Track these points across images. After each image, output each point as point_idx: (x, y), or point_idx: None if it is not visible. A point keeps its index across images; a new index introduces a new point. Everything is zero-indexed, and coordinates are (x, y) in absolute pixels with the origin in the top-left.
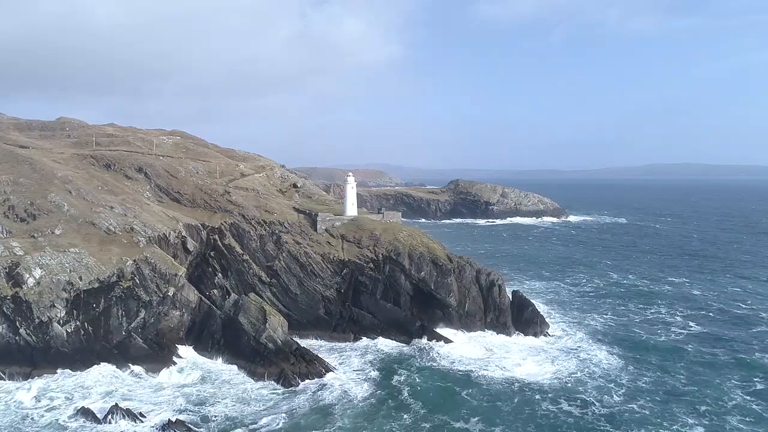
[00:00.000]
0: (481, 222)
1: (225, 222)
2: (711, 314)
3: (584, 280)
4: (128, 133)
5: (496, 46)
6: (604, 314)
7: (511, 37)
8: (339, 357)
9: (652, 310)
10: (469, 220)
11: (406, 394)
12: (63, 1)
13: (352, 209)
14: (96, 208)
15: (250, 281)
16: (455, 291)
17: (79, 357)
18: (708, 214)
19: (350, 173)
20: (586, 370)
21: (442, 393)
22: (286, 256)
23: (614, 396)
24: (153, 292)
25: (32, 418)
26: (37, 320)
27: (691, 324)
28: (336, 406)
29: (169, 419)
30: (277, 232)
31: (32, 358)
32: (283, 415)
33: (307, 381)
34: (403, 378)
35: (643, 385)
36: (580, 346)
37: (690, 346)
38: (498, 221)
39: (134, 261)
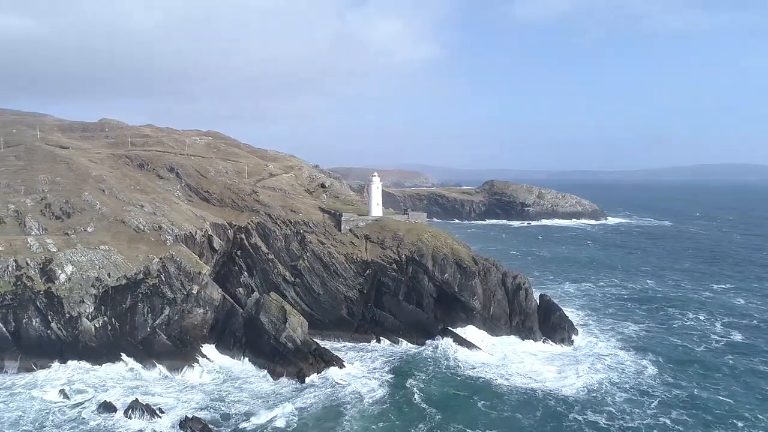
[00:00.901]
0: (516, 223)
1: (251, 221)
2: (754, 323)
3: (620, 285)
4: (164, 134)
5: (532, 45)
6: (640, 321)
7: (547, 36)
8: (358, 358)
9: (690, 317)
10: (503, 222)
11: (421, 399)
12: (104, 5)
13: (377, 209)
14: (127, 207)
15: (275, 280)
16: (480, 294)
17: (105, 352)
18: (759, 218)
19: (375, 173)
20: (617, 379)
21: (460, 401)
22: (310, 256)
23: (646, 409)
24: (177, 290)
25: (56, 412)
26: (67, 315)
27: (731, 333)
28: (349, 408)
29: (186, 416)
30: (301, 231)
31: (61, 351)
32: (296, 415)
33: (323, 381)
34: (420, 383)
35: (678, 397)
36: (611, 354)
37: (729, 356)
38: (533, 223)
39: (160, 259)
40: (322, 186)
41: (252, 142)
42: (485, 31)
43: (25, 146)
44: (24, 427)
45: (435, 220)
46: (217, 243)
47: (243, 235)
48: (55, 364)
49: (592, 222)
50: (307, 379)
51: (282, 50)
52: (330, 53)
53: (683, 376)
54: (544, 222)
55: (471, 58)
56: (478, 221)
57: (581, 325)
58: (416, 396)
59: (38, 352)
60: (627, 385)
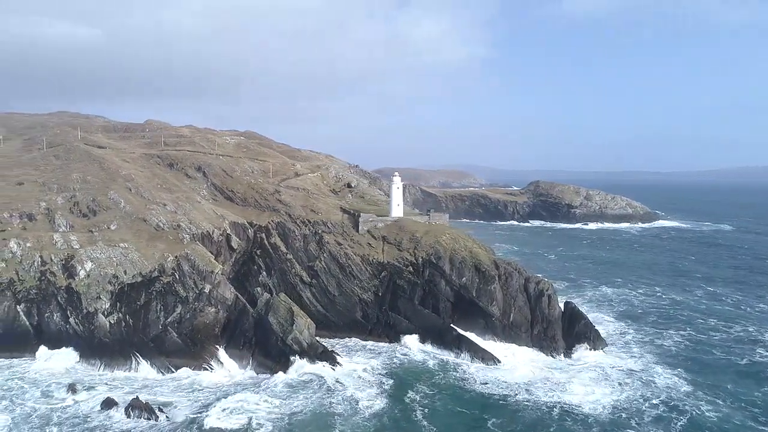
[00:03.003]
0: (561, 226)
1: (272, 221)
2: None
3: (664, 293)
4: (200, 134)
5: (581, 43)
6: (681, 330)
7: (597, 33)
8: (365, 362)
9: (738, 329)
10: (548, 224)
11: (423, 416)
12: (151, 13)
13: (397, 210)
14: (150, 206)
15: (292, 281)
16: (499, 299)
17: (118, 348)
18: None
19: (396, 173)
20: (647, 395)
21: (466, 419)
22: (326, 257)
23: (672, 430)
24: (190, 288)
25: (61, 408)
26: (84, 310)
27: None
28: (340, 419)
29: (187, 415)
30: (320, 232)
31: (77, 346)
32: (286, 420)
33: (321, 385)
34: (425, 396)
35: (709, 420)
36: (643, 367)
37: None
38: (579, 225)
39: (175, 257)
40: (348, 186)
41: (299, 142)
42: (533, 29)
43: (64, 146)
44: (30, 423)
45: (477, 221)
46: (235, 242)
47: (263, 235)
48: (70, 359)
49: (643, 225)
50: (304, 381)
51: (329, 51)
52: (377, 53)
53: (722, 394)
54: (591, 224)
55: (519, 57)
56: (522, 223)
57: (616, 334)
58: (418, 411)
59: (56, 346)
60: (657, 401)
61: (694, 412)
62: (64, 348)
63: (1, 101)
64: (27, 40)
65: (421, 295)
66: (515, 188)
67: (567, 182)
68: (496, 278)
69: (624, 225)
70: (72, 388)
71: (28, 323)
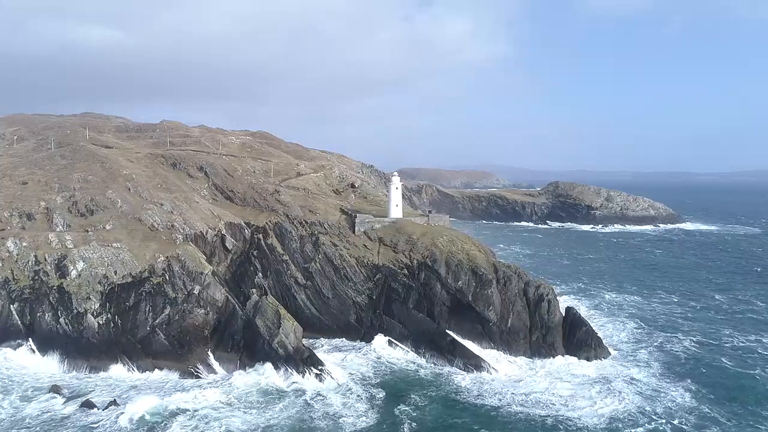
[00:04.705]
0: (580, 227)
1: (270, 221)
2: None
3: (678, 299)
4: (210, 134)
5: (608, 41)
6: (691, 338)
7: (625, 30)
8: (354, 368)
9: (751, 339)
10: (567, 225)
11: (409, 430)
12: (179, 15)
13: (396, 211)
14: (147, 205)
15: (287, 282)
16: (496, 304)
17: (105, 349)
18: None
19: (396, 173)
20: (647, 408)
21: None
22: (322, 258)
23: None
24: (179, 290)
25: (42, 410)
26: (74, 311)
27: None
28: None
29: (157, 421)
30: (316, 233)
31: (65, 347)
32: (261, 430)
33: (305, 397)
34: (415, 409)
35: None
36: (647, 378)
37: None
38: (599, 227)
39: (166, 258)
40: (352, 186)
41: (324, 144)
42: (559, 27)
43: (71, 146)
44: (3, 426)
45: (494, 222)
46: (230, 243)
47: (260, 235)
48: (57, 361)
49: (666, 227)
50: (285, 390)
51: (351, 53)
52: (399, 54)
53: (727, 408)
54: (612, 226)
55: (545, 57)
56: (539, 225)
57: (622, 341)
58: (406, 425)
59: (45, 346)
60: (656, 416)
61: (695, 429)
62: (51, 350)
63: (33, 103)
64: (60, 44)
65: (416, 298)
66: (536, 188)
67: (598, 183)
68: (494, 282)
69: (646, 227)
70: (55, 390)
71: (20, 322)
